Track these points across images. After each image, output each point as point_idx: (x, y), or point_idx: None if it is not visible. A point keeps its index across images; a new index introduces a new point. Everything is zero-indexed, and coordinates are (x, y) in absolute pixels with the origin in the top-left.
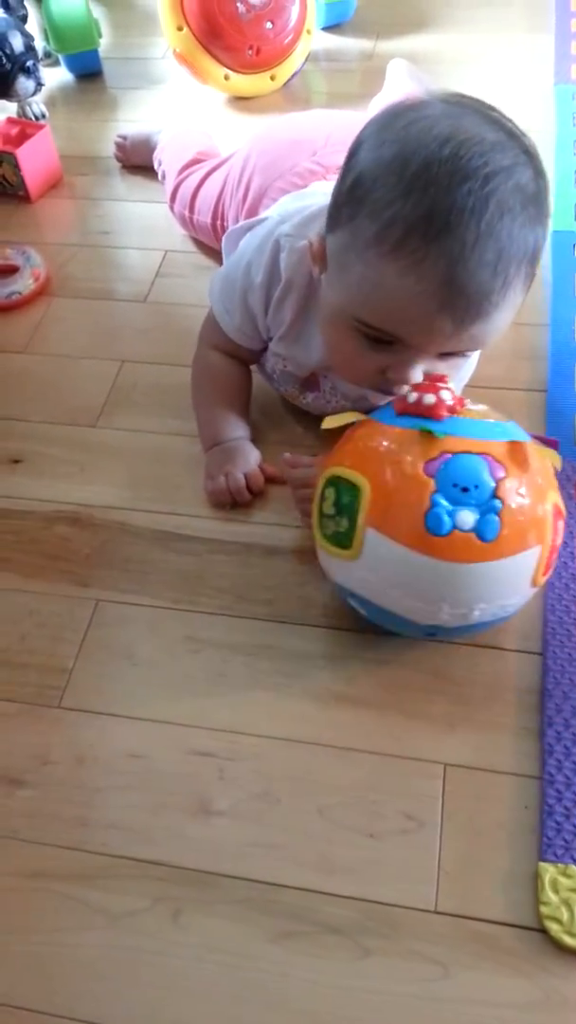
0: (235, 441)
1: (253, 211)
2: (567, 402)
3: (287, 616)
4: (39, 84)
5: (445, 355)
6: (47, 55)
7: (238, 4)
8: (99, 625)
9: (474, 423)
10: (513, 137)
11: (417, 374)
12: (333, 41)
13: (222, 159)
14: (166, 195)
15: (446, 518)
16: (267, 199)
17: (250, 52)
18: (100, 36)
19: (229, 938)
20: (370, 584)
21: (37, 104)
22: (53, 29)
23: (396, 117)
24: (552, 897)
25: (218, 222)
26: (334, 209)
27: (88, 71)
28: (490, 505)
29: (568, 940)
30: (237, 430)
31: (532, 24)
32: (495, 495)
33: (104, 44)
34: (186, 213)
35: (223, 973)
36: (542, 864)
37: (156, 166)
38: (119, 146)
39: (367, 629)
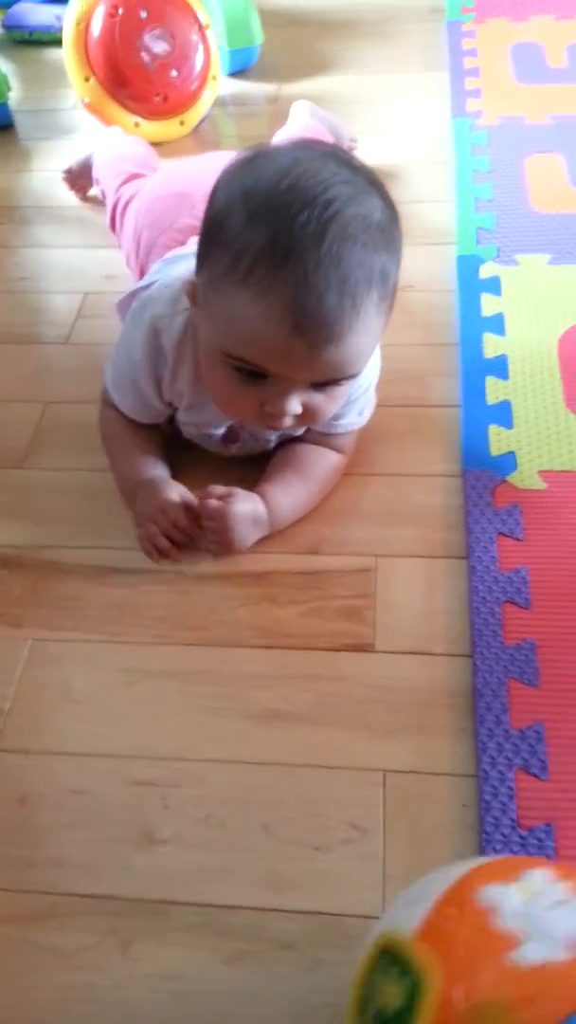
0: (158, 480)
1: (145, 265)
2: (479, 416)
3: (222, 640)
4: None
5: (320, 386)
6: None
7: (142, 53)
8: (35, 664)
9: None
10: (356, 171)
11: (294, 405)
12: (239, 86)
13: (143, 181)
14: (106, 214)
15: None
16: (153, 255)
17: (158, 99)
18: (9, 90)
19: (182, 964)
20: None
21: None
22: None
23: (246, 160)
24: None
25: (130, 259)
26: (199, 249)
27: None
28: None
29: None
30: (156, 469)
31: (428, 63)
32: None
33: (14, 97)
34: (116, 235)
35: (179, 1000)
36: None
37: (95, 185)
38: (68, 179)
39: (300, 647)
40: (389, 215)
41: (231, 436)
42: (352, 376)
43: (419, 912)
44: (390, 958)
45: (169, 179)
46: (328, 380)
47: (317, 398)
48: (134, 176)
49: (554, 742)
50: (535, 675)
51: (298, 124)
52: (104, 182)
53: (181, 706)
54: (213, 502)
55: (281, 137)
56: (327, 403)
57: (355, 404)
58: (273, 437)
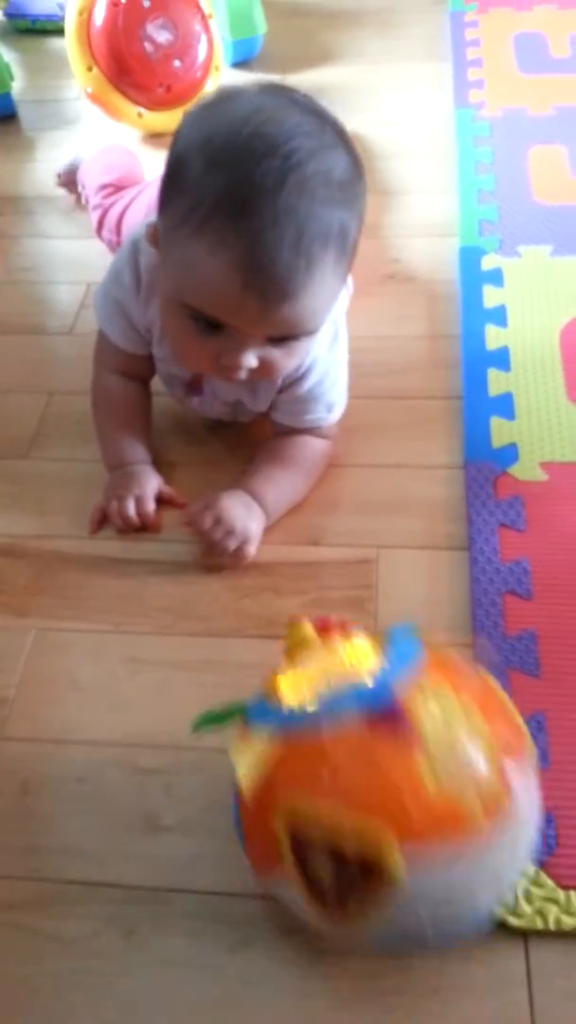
0: (135, 466)
1: None
2: (481, 408)
3: (225, 630)
4: None
5: (278, 340)
6: None
7: (145, 43)
8: (39, 653)
9: None
10: (323, 122)
11: (250, 359)
12: (242, 77)
13: (145, 184)
14: (91, 220)
15: None
16: None
17: (161, 89)
18: (12, 79)
19: (185, 952)
20: None
21: None
22: None
23: (208, 104)
24: None
25: None
26: (159, 193)
27: (2, 114)
28: None
29: (513, 920)
30: (136, 454)
31: (430, 54)
32: None
33: (17, 87)
34: (114, 239)
35: (182, 988)
36: None
37: (80, 189)
38: (64, 183)
39: None
40: (353, 171)
41: (194, 386)
42: (309, 333)
43: None
44: None
45: None
46: (284, 336)
47: (274, 353)
48: (119, 187)
49: (555, 732)
50: (536, 666)
51: None
52: (89, 187)
53: (184, 695)
54: (196, 506)
55: None
56: (284, 358)
57: (321, 399)
58: (230, 398)
